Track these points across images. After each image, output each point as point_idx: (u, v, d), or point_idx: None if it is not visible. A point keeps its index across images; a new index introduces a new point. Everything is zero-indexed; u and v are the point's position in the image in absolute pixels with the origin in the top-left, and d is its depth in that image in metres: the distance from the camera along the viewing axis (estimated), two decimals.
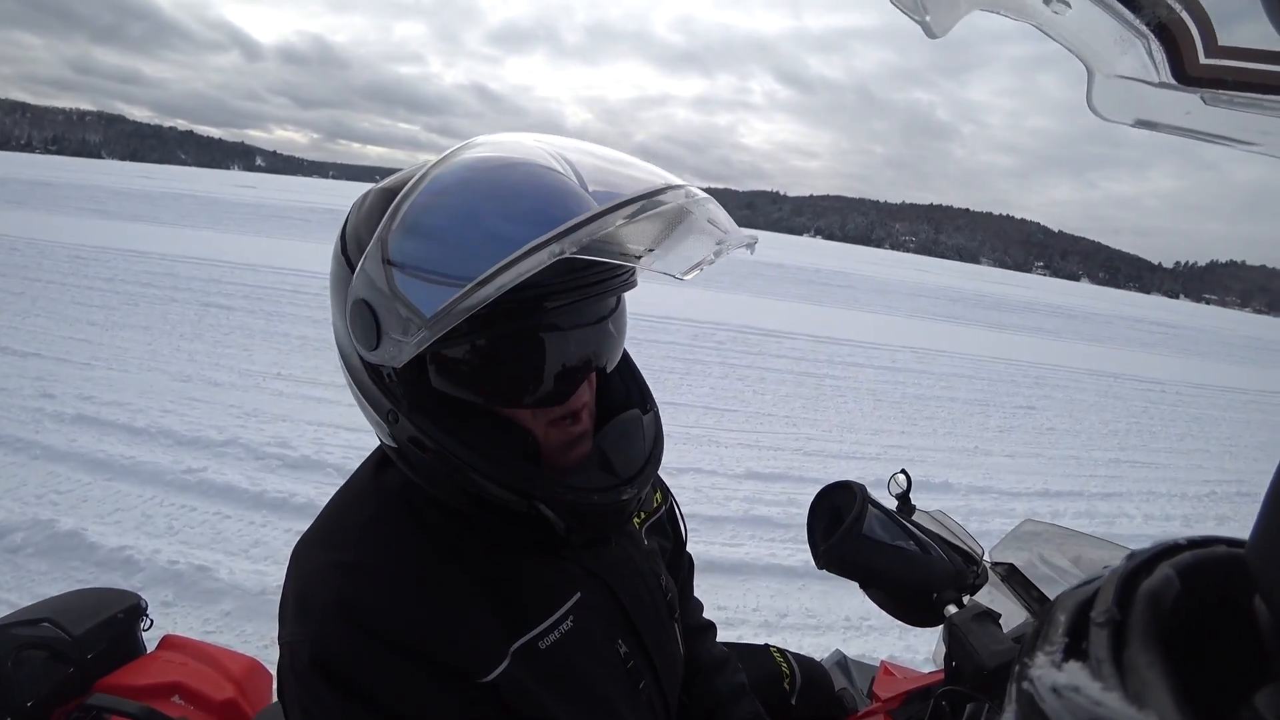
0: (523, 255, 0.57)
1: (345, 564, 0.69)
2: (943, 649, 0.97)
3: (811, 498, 1.17)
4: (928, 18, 0.39)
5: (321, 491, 3.64)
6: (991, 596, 1.15)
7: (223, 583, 2.79)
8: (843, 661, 1.42)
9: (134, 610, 1.41)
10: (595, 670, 0.78)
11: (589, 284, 0.67)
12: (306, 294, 9.50)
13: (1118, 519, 4.81)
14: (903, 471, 1.26)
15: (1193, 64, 0.36)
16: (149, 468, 3.76)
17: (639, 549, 0.92)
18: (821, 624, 3.06)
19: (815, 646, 1.45)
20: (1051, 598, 1.08)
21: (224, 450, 4.09)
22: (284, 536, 3.23)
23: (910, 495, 1.24)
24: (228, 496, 3.56)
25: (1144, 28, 0.37)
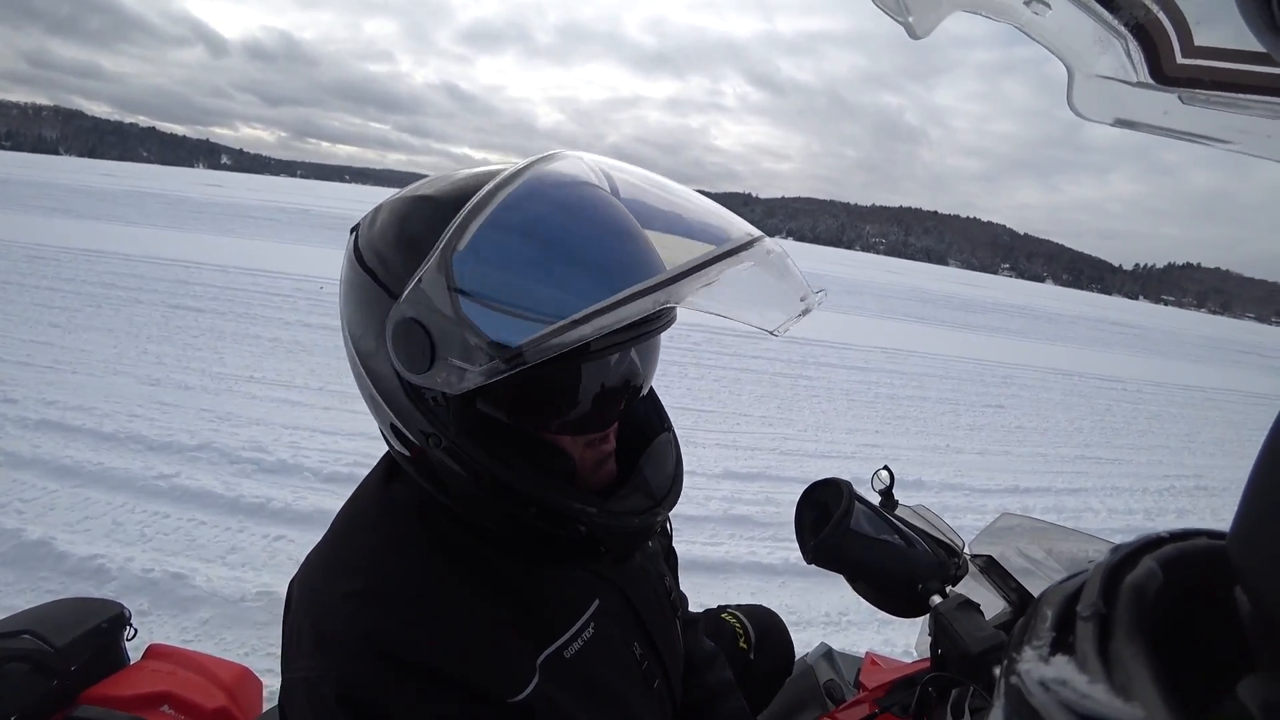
0: (625, 300, 0.56)
1: (362, 591, 0.66)
2: (927, 639, 1.01)
3: (789, 496, 1.20)
4: (910, 19, 0.40)
5: (299, 496, 3.58)
6: (970, 587, 1.19)
7: (200, 590, 2.72)
8: (829, 654, 1.45)
9: (117, 620, 1.38)
10: (615, 674, 0.79)
11: (649, 319, 0.67)
12: (279, 295, 9.30)
13: (1083, 513, 4.95)
14: (886, 468, 1.30)
15: (1170, 64, 0.37)
16: (119, 474, 3.65)
17: (644, 552, 0.94)
18: (802, 619, 3.11)
19: (798, 642, 1.49)
20: (1027, 587, 1.13)
21: (197, 455, 3.99)
22: (261, 542, 3.16)
23: (893, 491, 1.29)
24: (202, 502, 3.47)
25: (1122, 28, 0.37)
